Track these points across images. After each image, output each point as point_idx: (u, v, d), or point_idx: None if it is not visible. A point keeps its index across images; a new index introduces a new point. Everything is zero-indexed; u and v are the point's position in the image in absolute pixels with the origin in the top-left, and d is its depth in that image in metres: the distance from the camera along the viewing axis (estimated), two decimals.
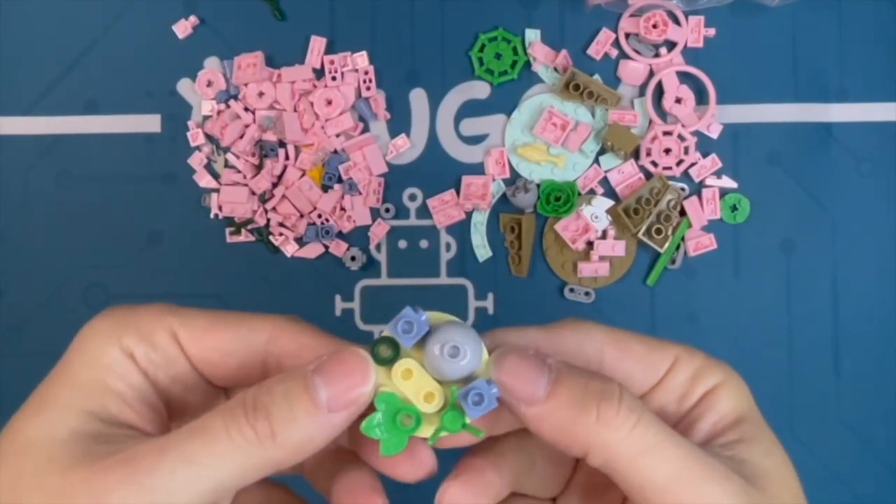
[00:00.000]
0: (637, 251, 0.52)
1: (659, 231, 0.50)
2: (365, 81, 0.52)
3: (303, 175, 0.52)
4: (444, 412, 0.27)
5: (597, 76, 0.52)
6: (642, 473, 0.26)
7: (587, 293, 0.51)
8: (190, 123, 0.53)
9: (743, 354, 0.50)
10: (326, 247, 0.52)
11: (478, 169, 0.52)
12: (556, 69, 0.52)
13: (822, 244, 0.51)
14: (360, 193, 0.52)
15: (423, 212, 0.52)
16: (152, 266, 0.52)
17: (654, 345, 0.29)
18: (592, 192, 0.52)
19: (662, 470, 0.25)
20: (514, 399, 0.26)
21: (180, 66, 0.53)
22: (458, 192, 0.52)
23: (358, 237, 0.52)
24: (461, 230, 0.52)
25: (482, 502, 0.28)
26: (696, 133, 0.51)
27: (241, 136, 0.52)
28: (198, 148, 0.53)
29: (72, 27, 0.53)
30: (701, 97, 0.52)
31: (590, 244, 0.51)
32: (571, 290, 0.51)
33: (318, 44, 0.52)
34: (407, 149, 0.52)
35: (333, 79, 0.52)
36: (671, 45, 0.52)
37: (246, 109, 0.53)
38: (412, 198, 0.52)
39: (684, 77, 0.52)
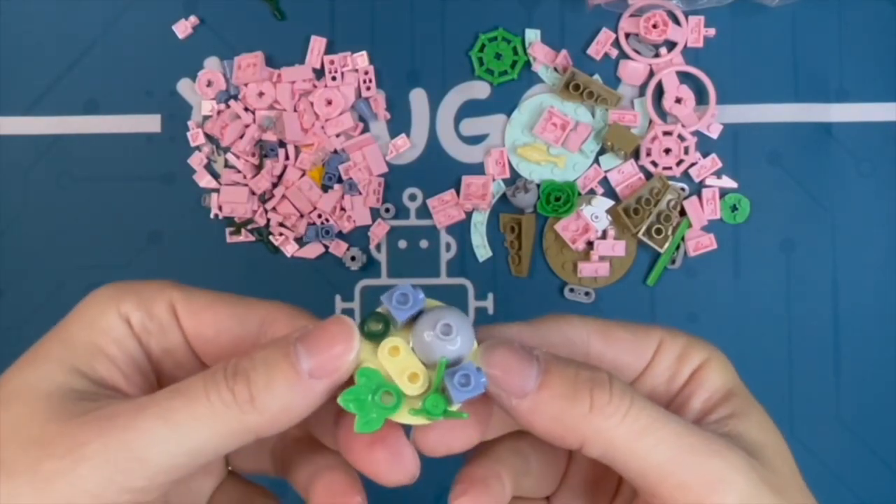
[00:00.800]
0: (637, 251, 0.52)
1: (659, 231, 0.50)
2: (365, 81, 0.52)
3: (303, 175, 0.52)
4: (427, 395, 0.26)
5: (597, 76, 0.52)
6: (642, 457, 0.25)
7: (587, 293, 0.51)
8: (190, 123, 0.53)
9: (743, 354, 0.50)
10: (326, 247, 0.52)
11: (478, 169, 0.52)
12: (556, 69, 0.52)
13: (822, 244, 0.51)
14: (360, 193, 0.52)
15: (423, 212, 0.52)
16: (152, 266, 0.52)
17: (637, 330, 0.29)
18: (592, 192, 0.52)
19: (661, 451, 0.25)
20: (504, 392, 0.26)
21: (180, 66, 0.53)
22: (458, 192, 0.52)
23: (358, 237, 0.52)
24: (461, 230, 0.52)
25: None
26: (696, 133, 0.51)
27: (241, 136, 0.52)
28: (198, 148, 0.53)
29: (72, 27, 0.53)
30: (701, 97, 0.52)
31: (590, 244, 0.51)
32: (571, 290, 0.51)
33: (318, 44, 0.52)
34: (407, 149, 0.52)
35: (333, 79, 0.52)
36: (671, 45, 0.52)
37: (246, 109, 0.53)
38: (412, 198, 0.52)
39: (684, 77, 0.52)
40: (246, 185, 0.52)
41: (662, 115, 0.52)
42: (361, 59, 0.52)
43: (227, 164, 0.52)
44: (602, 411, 0.25)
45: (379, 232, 0.52)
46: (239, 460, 0.31)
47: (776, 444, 0.27)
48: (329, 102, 0.52)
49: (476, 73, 0.52)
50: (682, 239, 0.51)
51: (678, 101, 0.51)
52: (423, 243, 0.52)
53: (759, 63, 0.52)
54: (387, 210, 0.52)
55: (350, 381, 0.26)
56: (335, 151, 0.52)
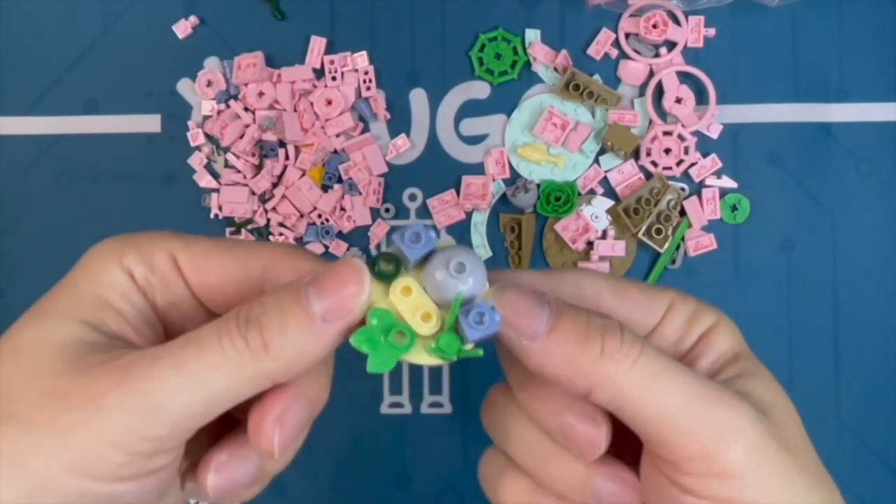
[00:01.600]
0: (637, 251, 0.52)
1: (659, 231, 0.50)
2: (365, 81, 0.52)
3: (303, 175, 0.52)
4: (441, 335, 0.26)
5: (597, 76, 0.52)
6: (651, 404, 0.25)
7: None
8: (190, 123, 0.53)
9: None
10: (326, 247, 0.52)
11: (478, 169, 0.52)
12: (556, 69, 0.52)
13: (822, 244, 0.51)
14: (360, 193, 0.52)
15: (423, 212, 0.52)
16: None
17: (650, 291, 0.30)
18: (592, 192, 0.52)
19: (671, 398, 0.25)
20: (515, 332, 0.26)
21: (180, 66, 0.53)
22: (458, 192, 0.52)
23: (358, 237, 0.52)
24: (461, 230, 0.52)
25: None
26: (696, 133, 0.51)
27: (241, 136, 0.52)
28: (198, 148, 0.53)
29: (72, 27, 0.53)
30: (701, 97, 0.52)
31: (590, 244, 0.51)
32: None
33: (318, 44, 0.52)
34: (407, 149, 0.52)
35: (333, 79, 0.52)
36: (671, 45, 0.52)
37: (246, 109, 0.53)
38: (412, 198, 0.52)
39: (684, 77, 0.52)
40: (246, 185, 0.52)
41: (662, 115, 0.52)
42: (361, 59, 0.52)
43: (227, 164, 0.53)
44: (612, 356, 0.25)
45: (379, 232, 0.52)
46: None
47: (784, 403, 0.28)
48: (329, 102, 0.52)
49: (476, 73, 0.52)
50: (682, 239, 0.51)
51: (678, 101, 0.51)
52: None
53: (759, 63, 0.52)
54: (387, 210, 0.52)
55: (362, 323, 0.26)
56: (335, 151, 0.52)
